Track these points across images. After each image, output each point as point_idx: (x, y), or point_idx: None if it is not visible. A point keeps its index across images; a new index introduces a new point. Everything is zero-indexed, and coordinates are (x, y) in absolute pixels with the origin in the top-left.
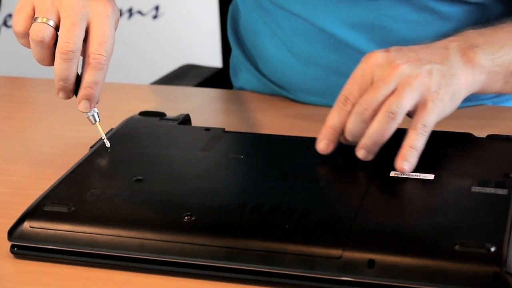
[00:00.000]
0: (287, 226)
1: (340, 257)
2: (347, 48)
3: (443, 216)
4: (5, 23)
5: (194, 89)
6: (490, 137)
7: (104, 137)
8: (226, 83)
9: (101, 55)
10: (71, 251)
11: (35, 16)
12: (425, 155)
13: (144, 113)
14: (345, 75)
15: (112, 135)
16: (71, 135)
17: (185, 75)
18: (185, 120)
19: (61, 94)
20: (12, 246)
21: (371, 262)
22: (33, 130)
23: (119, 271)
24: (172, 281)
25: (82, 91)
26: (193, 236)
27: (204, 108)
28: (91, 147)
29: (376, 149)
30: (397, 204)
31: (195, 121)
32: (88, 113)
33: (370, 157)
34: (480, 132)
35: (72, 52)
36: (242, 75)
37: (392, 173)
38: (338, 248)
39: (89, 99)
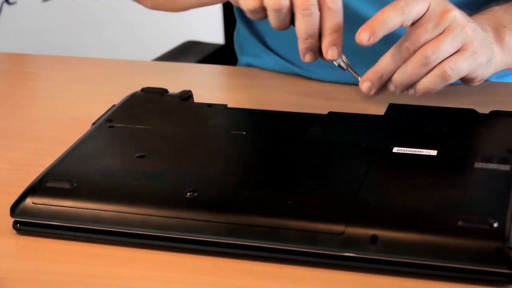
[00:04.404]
0: (289, 202)
1: (342, 233)
2: (359, 19)
3: (446, 192)
4: (6, 0)
5: (196, 66)
6: (493, 113)
7: (359, 79)
8: (229, 60)
9: None
10: (74, 227)
11: None
12: (427, 131)
13: (146, 90)
14: (356, 46)
15: (114, 111)
16: (73, 112)
17: (188, 52)
18: (188, 96)
19: (308, 56)
20: (15, 222)
21: (374, 238)
22: (34, 107)
23: (122, 247)
24: (175, 257)
25: (327, 38)
26: (195, 212)
27: (207, 84)
28: (93, 124)
29: (405, 88)
30: (400, 180)
31: (198, 98)
32: (336, 60)
33: (398, 92)
34: (483, 108)
35: (312, 5)
36: (249, 50)
37: (395, 149)
38: (341, 224)
39: (336, 43)
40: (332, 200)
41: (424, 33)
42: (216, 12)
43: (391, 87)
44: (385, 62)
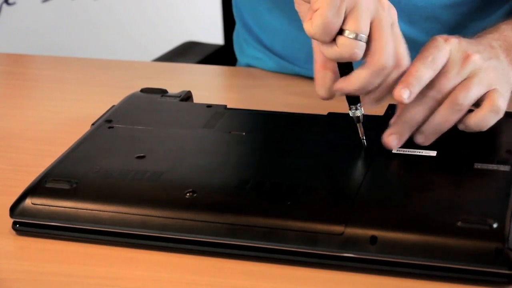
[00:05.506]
0: (289, 203)
1: (342, 233)
2: None
3: (446, 192)
4: (6, 1)
5: (196, 66)
6: None
7: (363, 137)
8: (228, 60)
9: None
10: (73, 227)
11: (348, 29)
12: None
13: (145, 90)
14: None
15: (114, 112)
16: (72, 112)
17: (187, 52)
18: (187, 97)
19: (322, 92)
20: (14, 223)
21: (373, 239)
22: (34, 107)
23: (121, 247)
24: (174, 258)
25: (382, 92)
26: (195, 212)
27: (206, 85)
28: (92, 124)
29: (435, 137)
30: (399, 180)
31: (197, 98)
32: (356, 112)
33: (427, 144)
34: None
35: (388, 68)
36: (248, 51)
37: (394, 150)
38: (340, 224)
39: (381, 101)
40: (331, 201)
41: (447, 82)
42: (215, 12)
43: (420, 138)
44: (413, 111)
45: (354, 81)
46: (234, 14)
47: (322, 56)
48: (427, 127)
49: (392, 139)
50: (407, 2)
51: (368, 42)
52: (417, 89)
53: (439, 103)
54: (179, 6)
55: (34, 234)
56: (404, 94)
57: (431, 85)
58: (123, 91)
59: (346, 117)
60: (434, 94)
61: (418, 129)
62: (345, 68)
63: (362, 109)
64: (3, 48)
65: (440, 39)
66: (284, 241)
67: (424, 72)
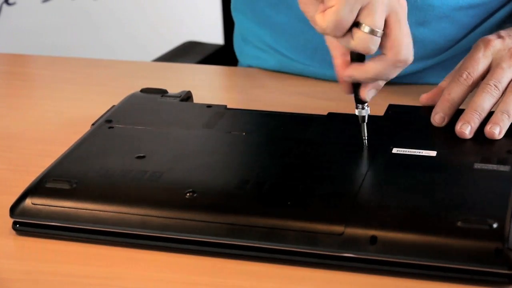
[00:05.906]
0: (289, 203)
1: (342, 233)
2: None
3: (446, 192)
4: (6, 1)
5: (196, 66)
6: (492, 114)
7: (365, 137)
8: (229, 60)
9: None
10: (73, 227)
11: (364, 23)
12: (427, 131)
13: (146, 90)
14: None
15: (114, 112)
16: (72, 112)
17: (187, 52)
18: (187, 97)
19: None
20: (14, 223)
21: (373, 239)
22: (34, 107)
23: (121, 247)
24: (174, 258)
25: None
26: (195, 212)
27: (206, 85)
28: (92, 124)
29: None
30: (399, 180)
31: (197, 98)
32: (362, 111)
33: (503, 133)
34: None
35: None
36: (248, 50)
37: (395, 150)
38: (340, 224)
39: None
40: (331, 201)
41: (503, 73)
42: (215, 12)
43: (496, 128)
44: (480, 100)
45: (368, 70)
46: (232, 15)
47: (340, 53)
48: (498, 115)
49: (465, 128)
50: (423, 2)
51: (385, 35)
52: (450, 111)
53: (502, 90)
54: (179, 6)
55: (34, 234)
56: (467, 129)
57: (489, 76)
58: (123, 91)
59: (346, 117)
60: (494, 83)
61: (488, 120)
62: (358, 56)
63: (369, 109)
64: (3, 48)
65: (481, 45)
66: (284, 241)
67: (455, 92)
